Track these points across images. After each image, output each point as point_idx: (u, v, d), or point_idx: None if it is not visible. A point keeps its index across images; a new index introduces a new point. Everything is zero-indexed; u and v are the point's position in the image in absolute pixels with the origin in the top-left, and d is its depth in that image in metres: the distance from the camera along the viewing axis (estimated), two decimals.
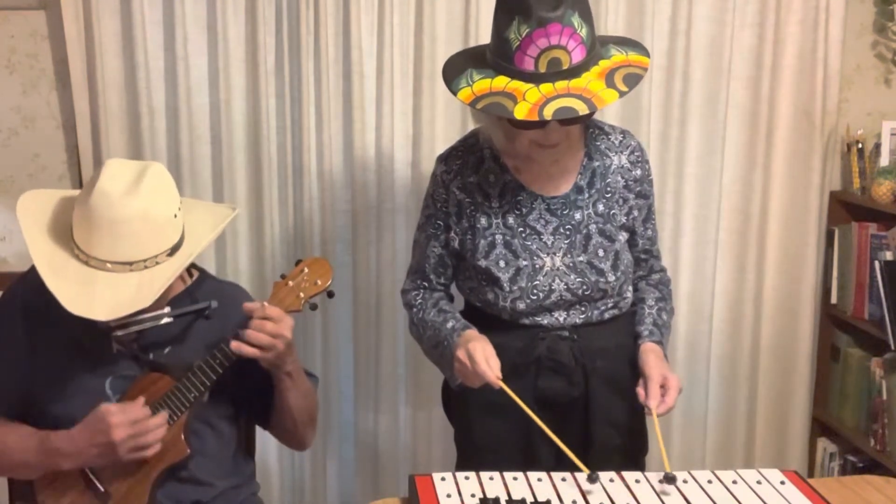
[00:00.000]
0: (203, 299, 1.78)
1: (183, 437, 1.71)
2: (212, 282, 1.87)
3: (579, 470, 1.67)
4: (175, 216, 1.67)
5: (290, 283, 1.76)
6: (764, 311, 2.88)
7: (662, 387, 1.75)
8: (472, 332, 1.84)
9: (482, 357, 1.74)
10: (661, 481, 1.63)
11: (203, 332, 1.77)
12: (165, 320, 1.73)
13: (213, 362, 1.70)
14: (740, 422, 2.93)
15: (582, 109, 1.64)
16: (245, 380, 1.77)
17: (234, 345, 1.66)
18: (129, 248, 1.61)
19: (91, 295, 1.60)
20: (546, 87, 1.67)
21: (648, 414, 1.73)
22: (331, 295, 1.80)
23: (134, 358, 1.74)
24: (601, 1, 2.59)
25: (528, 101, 1.66)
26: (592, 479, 1.62)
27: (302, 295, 1.76)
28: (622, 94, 1.68)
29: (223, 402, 1.79)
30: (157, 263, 1.64)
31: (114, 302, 1.59)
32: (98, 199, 1.60)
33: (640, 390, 1.76)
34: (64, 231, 1.68)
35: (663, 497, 1.61)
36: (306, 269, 1.77)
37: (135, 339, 1.74)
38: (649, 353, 1.83)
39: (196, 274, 1.86)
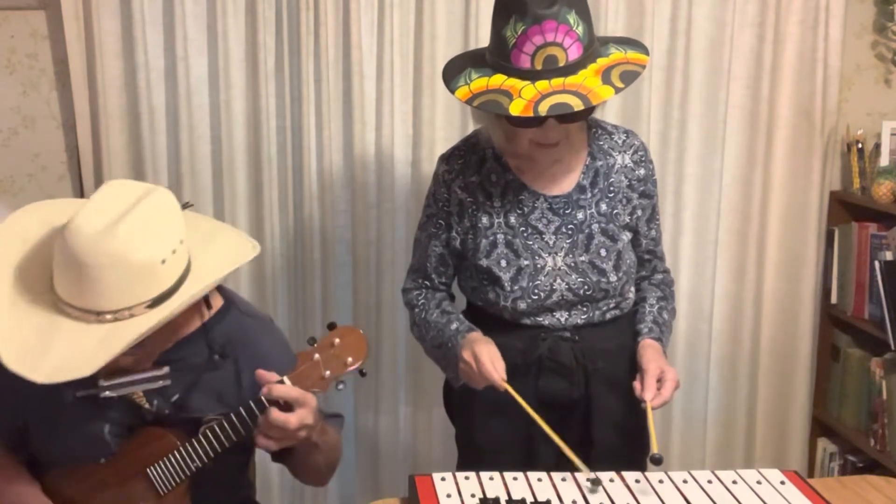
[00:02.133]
0: (219, 339, 1.59)
1: (187, 499, 1.60)
2: (235, 316, 1.64)
3: (580, 470, 1.68)
4: (164, 262, 1.41)
5: (317, 356, 1.52)
6: (764, 311, 2.88)
7: (659, 380, 1.75)
8: (477, 335, 1.84)
9: (488, 359, 1.75)
10: (650, 460, 1.62)
11: (214, 378, 1.59)
12: (161, 383, 1.53)
13: (220, 433, 1.53)
14: (740, 422, 2.93)
15: (577, 105, 1.64)
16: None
17: (261, 442, 1.49)
18: (96, 295, 1.38)
19: (44, 347, 1.39)
20: (542, 84, 1.67)
21: (643, 407, 1.72)
22: (362, 374, 1.57)
23: (135, 407, 1.57)
24: (601, 1, 2.59)
25: (524, 98, 1.66)
26: (595, 483, 1.62)
27: (328, 374, 1.52)
28: (618, 90, 1.68)
29: (236, 454, 1.63)
30: (132, 316, 1.41)
31: (63, 360, 1.37)
32: (70, 238, 1.38)
33: (636, 384, 1.75)
34: (46, 265, 1.47)
35: (663, 497, 1.61)
36: (337, 342, 1.53)
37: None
38: (647, 348, 1.83)
39: (220, 304, 1.64)
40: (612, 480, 1.66)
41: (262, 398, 1.49)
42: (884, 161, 2.75)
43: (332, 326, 1.55)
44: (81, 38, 2.48)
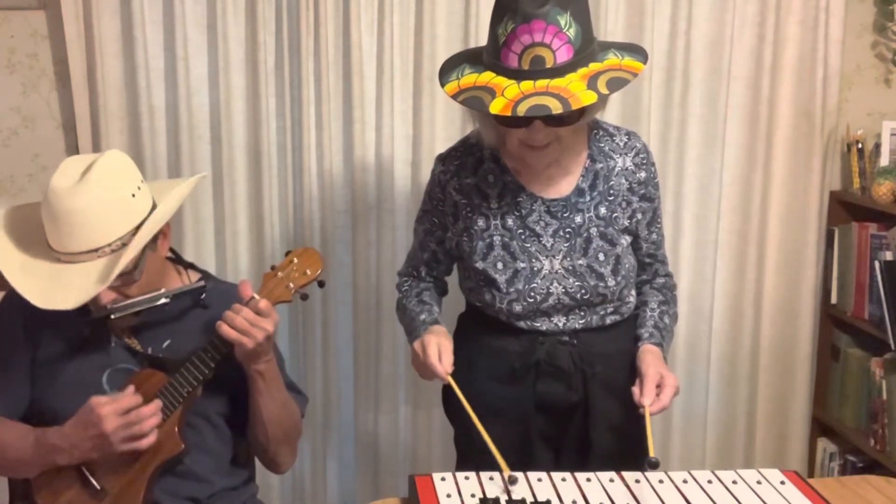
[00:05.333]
0: (199, 294, 1.81)
1: (177, 431, 1.71)
2: (212, 282, 1.88)
3: (580, 470, 1.68)
4: (133, 196, 1.67)
5: (280, 273, 1.76)
6: (764, 311, 2.88)
7: (658, 386, 1.74)
8: (437, 328, 1.86)
9: (434, 351, 1.77)
10: (647, 464, 1.61)
11: (201, 324, 1.78)
12: (162, 300, 1.74)
13: (204, 356, 1.71)
14: (740, 422, 2.93)
15: (556, 108, 1.62)
16: (239, 381, 1.77)
17: (218, 324, 1.68)
18: (88, 235, 1.62)
19: (60, 288, 1.62)
20: (526, 85, 1.66)
21: (641, 412, 1.71)
22: (321, 284, 1.80)
23: (131, 352, 1.76)
24: (601, 1, 2.59)
25: (506, 96, 1.65)
26: (512, 480, 1.63)
27: (291, 285, 1.75)
28: (601, 96, 1.66)
29: (219, 399, 1.79)
30: (124, 245, 1.64)
31: (81, 290, 1.61)
32: (52, 196, 1.62)
33: (634, 389, 1.74)
34: (39, 235, 1.69)
35: (663, 497, 1.61)
36: (296, 260, 1.77)
37: (132, 328, 1.77)
38: (647, 353, 1.82)
39: (198, 277, 1.87)
40: (612, 480, 1.66)
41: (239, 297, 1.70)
42: (884, 161, 2.75)
43: (288, 253, 1.78)
44: (81, 38, 2.48)
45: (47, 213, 1.65)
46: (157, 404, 1.66)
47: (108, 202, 1.63)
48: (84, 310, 1.67)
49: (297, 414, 1.88)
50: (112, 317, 1.71)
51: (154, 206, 1.72)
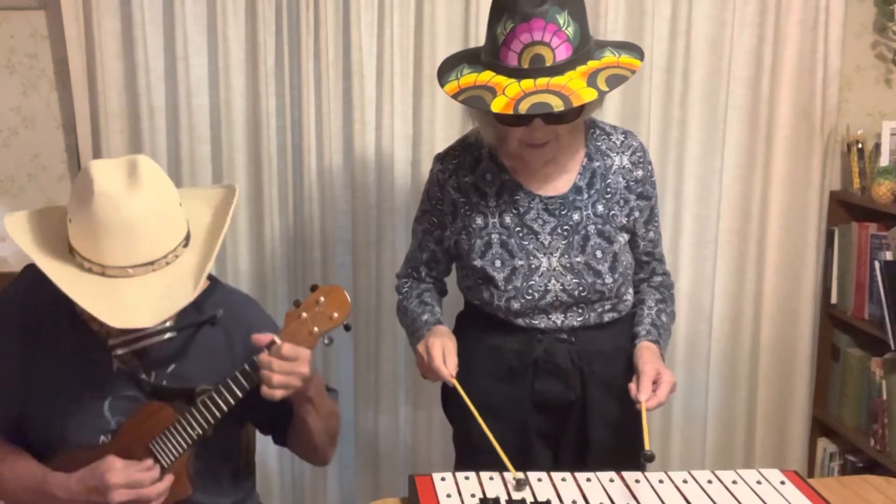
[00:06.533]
0: (210, 310, 1.66)
1: (186, 475, 1.61)
2: (222, 290, 1.74)
3: (580, 470, 1.68)
4: (180, 203, 1.56)
5: (304, 314, 1.59)
6: (764, 311, 2.88)
7: (655, 382, 1.75)
8: (440, 328, 1.86)
9: (439, 353, 1.77)
10: (642, 458, 1.62)
11: (208, 346, 1.66)
12: (168, 335, 1.62)
13: (217, 398, 1.57)
14: (740, 422, 2.93)
15: (557, 106, 1.63)
16: (260, 401, 1.60)
17: (265, 392, 1.54)
18: (147, 247, 1.49)
19: (122, 304, 1.47)
20: (526, 83, 1.67)
21: (637, 408, 1.71)
22: (347, 328, 1.63)
23: (135, 378, 1.63)
24: (601, 1, 2.59)
25: (507, 95, 1.66)
26: (521, 484, 1.62)
27: (316, 329, 1.59)
28: (601, 93, 1.67)
29: (231, 425, 1.68)
30: (177, 257, 1.53)
31: (151, 305, 1.48)
32: (102, 203, 1.46)
33: (631, 385, 1.75)
34: (60, 247, 1.55)
35: (663, 497, 1.61)
36: (322, 299, 1.59)
37: (136, 355, 1.63)
38: (644, 350, 1.83)
39: (205, 283, 1.71)
40: (612, 480, 1.66)
41: (257, 359, 1.56)
42: (884, 161, 2.75)
43: (314, 288, 1.61)
44: (81, 38, 2.48)
45: (91, 223, 1.47)
46: (168, 480, 1.56)
47: (164, 211, 1.51)
48: (81, 328, 1.57)
49: (339, 415, 1.79)
50: (116, 352, 1.60)
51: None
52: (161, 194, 1.51)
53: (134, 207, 1.46)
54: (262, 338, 1.57)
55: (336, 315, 1.60)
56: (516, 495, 1.60)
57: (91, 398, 1.61)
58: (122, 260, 1.48)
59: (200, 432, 1.58)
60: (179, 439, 1.58)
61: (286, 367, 1.54)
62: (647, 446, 1.63)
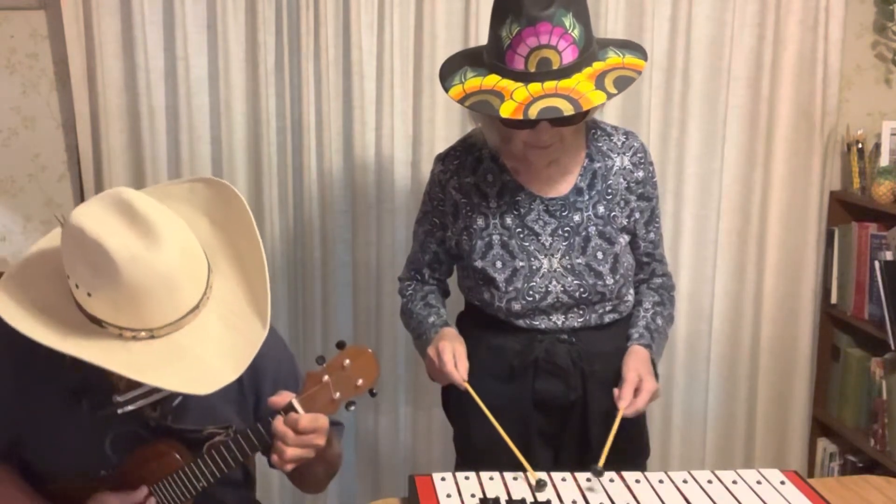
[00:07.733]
0: None
1: None
2: None
3: (579, 470, 1.68)
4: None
5: (326, 377, 1.47)
6: (764, 311, 2.88)
7: (637, 389, 1.75)
8: (448, 331, 1.86)
9: (450, 357, 1.76)
10: (588, 479, 1.63)
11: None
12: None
13: (226, 453, 1.50)
14: (740, 422, 2.93)
15: (567, 110, 1.63)
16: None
17: (275, 461, 1.46)
18: (190, 291, 1.37)
19: (194, 366, 1.36)
20: (534, 87, 1.66)
21: (614, 414, 1.73)
22: (373, 394, 1.51)
23: (140, 416, 1.53)
24: (601, 1, 2.59)
25: (515, 99, 1.65)
26: (541, 484, 1.62)
27: (338, 395, 1.47)
28: (610, 95, 1.67)
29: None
30: (208, 299, 1.41)
31: (224, 356, 1.37)
32: (131, 269, 1.31)
33: (616, 390, 1.77)
34: (69, 318, 1.39)
35: (663, 497, 1.61)
36: (348, 362, 1.47)
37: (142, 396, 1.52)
38: (631, 355, 1.84)
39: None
40: (612, 480, 1.66)
41: (273, 424, 1.46)
42: (884, 161, 2.75)
43: (341, 345, 1.50)
44: (81, 38, 2.48)
45: (128, 291, 1.32)
46: None
47: (187, 246, 1.38)
48: (85, 369, 1.39)
49: (341, 454, 1.73)
50: (120, 411, 1.49)
51: None
52: (173, 230, 1.36)
53: (164, 259, 1.33)
54: (280, 400, 1.47)
55: (361, 382, 1.48)
56: (514, 493, 1.60)
57: (91, 433, 1.54)
58: (170, 316, 1.36)
59: (206, 484, 1.52)
60: (183, 489, 1.52)
61: (302, 441, 1.45)
62: (600, 463, 1.64)
